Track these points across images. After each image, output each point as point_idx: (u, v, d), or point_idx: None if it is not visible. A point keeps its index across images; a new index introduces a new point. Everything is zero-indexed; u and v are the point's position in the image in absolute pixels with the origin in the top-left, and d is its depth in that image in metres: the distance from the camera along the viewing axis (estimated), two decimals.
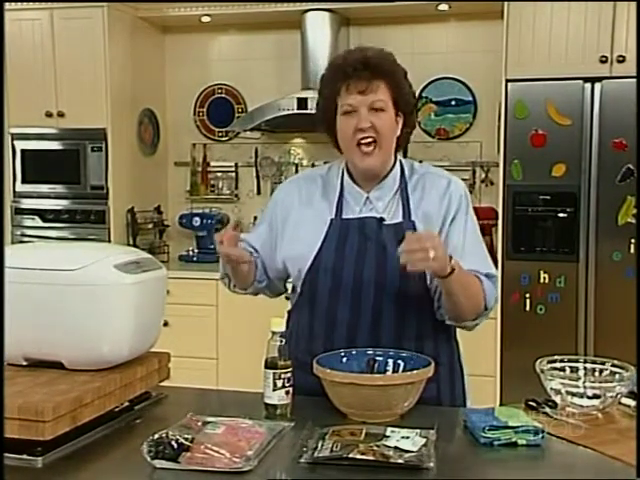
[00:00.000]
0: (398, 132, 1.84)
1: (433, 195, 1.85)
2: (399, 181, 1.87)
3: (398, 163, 1.90)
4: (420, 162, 2.00)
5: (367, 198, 1.86)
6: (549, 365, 1.71)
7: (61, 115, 4.31)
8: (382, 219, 1.83)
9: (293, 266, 1.88)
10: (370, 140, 1.77)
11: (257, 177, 4.73)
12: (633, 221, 3.58)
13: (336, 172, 1.92)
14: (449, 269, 1.65)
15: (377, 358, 1.72)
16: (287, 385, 1.62)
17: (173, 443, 1.35)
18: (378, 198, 1.86)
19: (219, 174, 4.85)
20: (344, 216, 1.85)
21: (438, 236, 1.72)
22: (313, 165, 4.48)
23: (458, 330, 1.94)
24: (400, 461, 1.33)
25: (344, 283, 1.80)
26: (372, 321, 1.79)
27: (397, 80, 1.81)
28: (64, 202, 4.42)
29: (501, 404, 3.23)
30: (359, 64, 1.76)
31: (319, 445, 1.40)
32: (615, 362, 1.71)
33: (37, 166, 4.44)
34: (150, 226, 4.68)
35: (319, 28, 4.28)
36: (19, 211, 4.47)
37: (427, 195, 1.85)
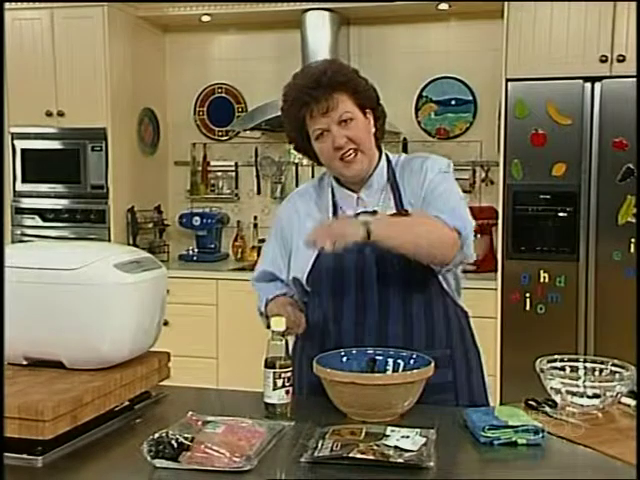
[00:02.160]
0: (373, 129, 1.85)
1: (414, 177, 1.86)
2: (387, 175, 1.88)
3: (384, 157, 1.91)
4: None
5: (358, 198, 1.88)
6: (549, 364, 1.71)
7: (61, 114, 4.31)
8: (375, 212, 1.83)
9: (296, 272, 1.89)
10: (351, 152, 1.79)
11: (257, 177, 4.73)
12: (633, 220, 3.58)
13: (327, 181, 1.95)
14: (363, 233, 1.62)
15: (377, 357, 1.72)
16: (287, 384, 1.62)
17: (173, 442, 1.35)
18: (368, 195, 1.88)
19: (219, 173, 4.85)
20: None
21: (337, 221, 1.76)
22: (313, 165, 4.47)
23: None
24: (400, 460, 1.33)
25: (346, 279, 1.81)
26: (379, 314, 1.80)
27: (353, 85, 1.81)
28: (64, 201, 4.42)
29: (501, 403, 3.23)
30: (311, 87, 1.77)
31: (319, 444, 1.40)
32: (615, 361, 1.71)
33: (37, 165, 4.44)
34: (150, 225, 4.68)
35: (319, 27, 4.28)
36: (19, 210, 4.47)
37: (410, 180, 1.86)
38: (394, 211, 1.83)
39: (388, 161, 1.90)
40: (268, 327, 1.93)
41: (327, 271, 1.82)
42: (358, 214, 1.84)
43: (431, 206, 1.79)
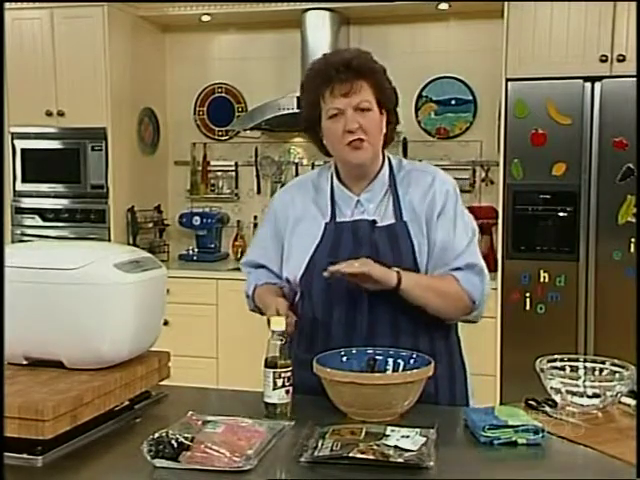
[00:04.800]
0: (384, 129, 1.84)
1: (417, 192, 1.85)
2: (388, 180, 1.87)
3: (387, 161, 1.90)
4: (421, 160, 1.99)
5: (358, 201, 1.86)
6: (549, 364, 1.71)
7: (61, 114, 4.31)
8: (374, 222, 1.83)
9: (290, 273, 1.89)
10: (359, 140, 1.77)
11: (257, 176, 4.73)
12: (633, 220, 3.58)
13: (326, 177, 1.92)
14: (395, 277, 1.69)
15: (377, 357, 1.72)
16: (287, 384, 1.62)
17: (173, 442, 1.35)
18: (369, 200, 1.86)
19: (219, 173, 4.85)
20: (337, 220, 1.86)
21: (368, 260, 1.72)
22: (313, 165, 4.49)
23: (459, 327, 1.95)
24: (400, 460, 1.33)
25: (338, 286, 1.79)
26: (368, 322, 1.80)
27: (378, 79, 1.81)
28: (64, 201, 4.42)
29: (501, 403, 3.23)
30: (340, 66, 1.76)
31: (319, 444, 1.40)
32: (615, 361, 1.71)
33: (37, 165, 4.44)
34: (150, 225, 4.68)
35: (319, 27, 4.28)
36: (19, 210, 4.47)
37: (412, 192, 1.85)
38: (392, 220, 1.82)
39: (390, 166, 1.89)
40: (252, 311, 1.99)
41: (319, 276, 1.80)
42: (356, 221, 1.83)
43: (445, 252, 1.80)
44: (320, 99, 1.79)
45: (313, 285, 1.83)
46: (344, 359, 1.70)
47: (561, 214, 3.69)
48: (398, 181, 1.87)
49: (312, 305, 1.85)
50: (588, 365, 1.74)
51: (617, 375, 1.66)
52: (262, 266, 1.98)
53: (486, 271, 1.86)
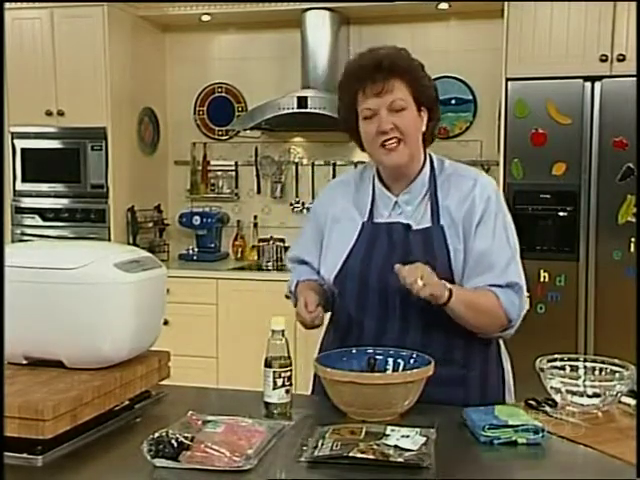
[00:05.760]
0: (423, 128, 1.80)
1: (456, 197, 1.81)
2: (428, 183, 1.83)
3: (428, 161, 1.86)
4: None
5: (395, 202, 1.84)
6: (549, 364, 1.71)
7: (61, 114, 4.31)
8: (409, 226, 1.80)
9: (325, 272, 1.88)
10: (394, 141, 1.74)
11: (257, 176, 4.73)
12: (633, 220, 3.58)
13: (368, 176, 1.90)
14: (446, 296, 1.66)
15: (377, 357, 1.72)
16: (287, 384, 1.62)
17: (173, 442, 1.35)
18: (407, 202, 1.83)
19: (219, 173, 4.85)
20: (374, 220, 1.84)
21: (427, 267, 1.67)
22: (313, 164, 4.49)
23: None
24: (400, 460, 1.33)
25: (371, 289, 1.79)
26: (399, 328, 1.78)
27: (414, 76, 1.76)
28: (64, 201, 4.41)
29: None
30: (372, 66, 1.73)
31: (319, 444, 1.40)
32: (615, 361, 1.71)
33: (37, 165, 4.44)
34: (150, 225, 4.68)
35: (319, 27, 4.28)
36: (19, 210, 4.47)
37: (451, 198, 1.81)
38: (429, 224, 1.79)
39: (432, 166, 1.86)
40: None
41: (352, 277, 1.80)
42: (391, 224, 1.81)
43: (481, 263, 1.76)
44: (354, 100, 1.77)
45: (346, 286, 1.82)
46: (344, 359, 1.70)
47: (561, 214, 3.69)
48: (439, 184, 1.83)
49: (345, 306, 1.84)
50: (588, 365, 1.74)
51: (617, 375, 1.66)
52: (304, 262, 1.98)
53: (525, 289, 1.82)
